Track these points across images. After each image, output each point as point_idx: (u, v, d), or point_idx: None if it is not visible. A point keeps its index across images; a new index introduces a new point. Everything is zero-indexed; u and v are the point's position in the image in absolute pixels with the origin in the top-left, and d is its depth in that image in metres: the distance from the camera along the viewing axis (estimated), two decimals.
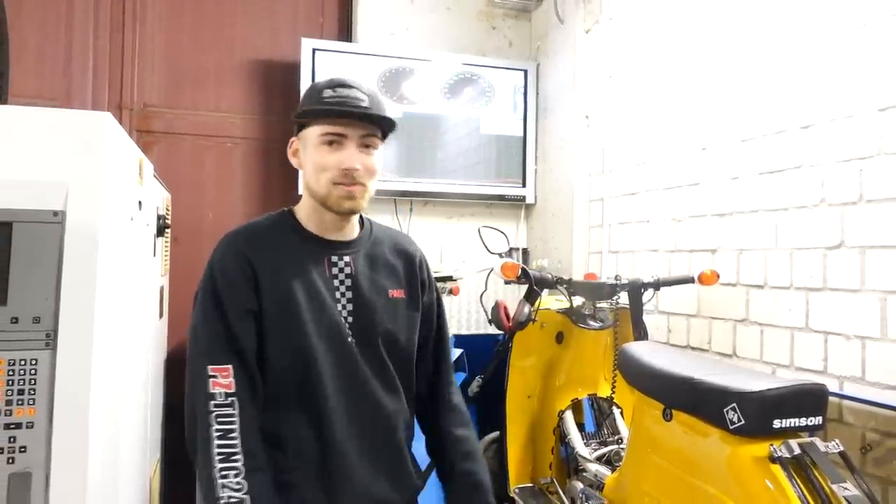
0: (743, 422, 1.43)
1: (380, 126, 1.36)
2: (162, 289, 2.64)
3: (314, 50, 3.36)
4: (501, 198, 3.68)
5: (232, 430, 1.23)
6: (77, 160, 1.43)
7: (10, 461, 1.33)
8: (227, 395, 1.25)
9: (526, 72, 3.70)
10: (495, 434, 2.53)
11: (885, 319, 1.84)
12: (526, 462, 2.34)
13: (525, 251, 3.77)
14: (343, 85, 1.33)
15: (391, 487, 1.39)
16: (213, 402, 1.24)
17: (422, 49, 3.59)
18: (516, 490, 2.28)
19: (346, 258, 1.39)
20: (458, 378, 2.35)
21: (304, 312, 1.31)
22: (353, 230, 1.43)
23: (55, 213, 1.41)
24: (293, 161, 1.42)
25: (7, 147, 1.40)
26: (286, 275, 1.33)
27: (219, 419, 1.24)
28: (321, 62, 3.36)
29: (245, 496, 1.19)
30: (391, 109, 3.32)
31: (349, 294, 1.37)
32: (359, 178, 1.31)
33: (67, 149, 1.43)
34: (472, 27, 3.77)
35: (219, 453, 1.22)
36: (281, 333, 1.31)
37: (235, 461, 1.22)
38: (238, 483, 1.20)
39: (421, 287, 1.48)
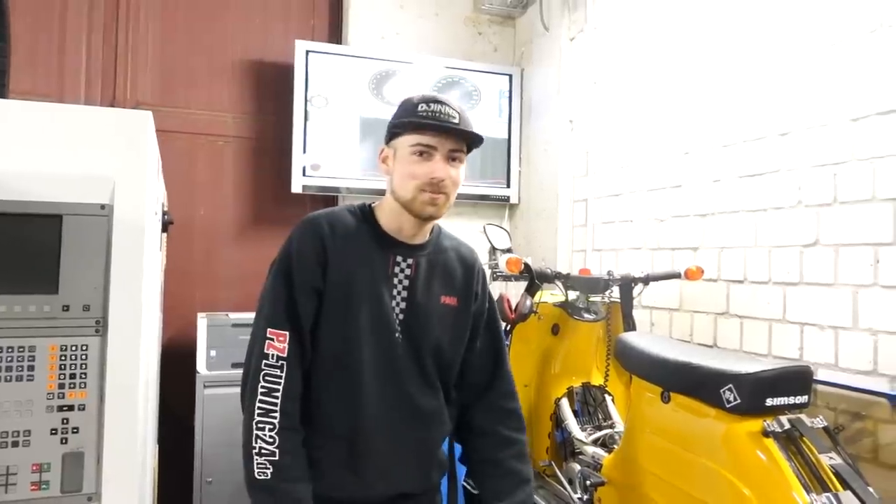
0: (739, 401, 1.58)
1: (466, 141, 1.46)
2: (162, 284, 2.70)
3: (307, 52, 3.44)
4: (486, 197, 3.81)
5: (276, 390, 1.37)
6: (123, 156, 1.50)
7: (64, 441, 1.39)
8: (279, 358, 1.39)
9: (511, 77, 3.84)
10: None
11: (856, 311, 2.02)
12: None
13: (509, 250, 3.89)
14: (436, 101, 1.43)
15: (414, 478, 1.50)
16: (265, 362, 1.38)
17: (411, 53, 3.70)
18: None
19: (410, 260, 1.49)
20: None
21: (359, 302, 1.42)
22: (424, 235, 1.53)
23: (102, 207, 1.47)
24: (381, 167, 1.52)
25: (56, 143, 1.46)
26: (352, 263, 1.44)
27: (266, 378, 1.38)
28: (314, 63, 3.45)
29: (275, 449, 1.34)
30: (383, 111, 3.44)
31: (405, 293, 1.48)
32: (444, 189, 1.42)
33: (113, 145, 1.50)
34: (459, 32, 3.90)
35: (259, 408, 1.36)
36: (335, 316, 1.42)
37: (273, 417, 1.36)
38: (271, 437, 1.35)
39: (475, 297, 1.58)
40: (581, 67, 3.44)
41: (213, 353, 2.99)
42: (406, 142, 1.43)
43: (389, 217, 1.51)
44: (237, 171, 3.58)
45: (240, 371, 3.00)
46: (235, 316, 3.16)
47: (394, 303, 1.47)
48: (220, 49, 3.55)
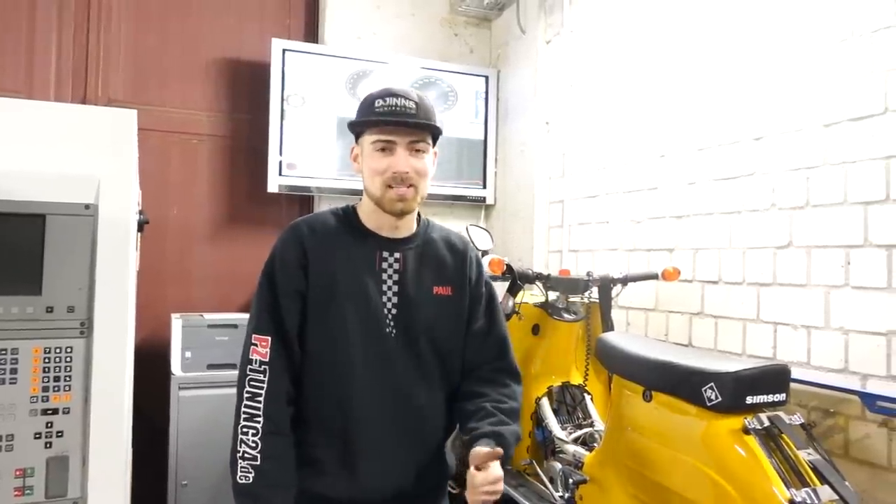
0: (720, 399, 1.62)
1: (428, 131, 1.47)
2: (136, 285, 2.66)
3: (284, 50, 3.42)
4: (462, 198, 3.83)
5: (258, 395, 1.39)
6: (108, 155, 1.48)
7: (48, 445, 1.37)
8: (261, 363, 1.40)
9: (487, 78, 3.87)
10: None
11: (828, 311, 2.08)
12: None
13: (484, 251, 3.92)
14: (393, 95, 1.44)
15: (412, 476, 1.49)
16: (249, 367, 1.41)
17: (387, 53, 3.69)
18: None
19: (397, 254, 1.50)
20: None
21: (345, 301, 1.42)
22: (409, 228, 1.54)
23: (87, 206, 1.46)
24: (354, 166, 1.54)
25: (40, 141, 1.44)
26: (334, 263, 1.44)
27: (250, 383, 1.40)
28: (291, 62, 3.42)
29: (258, 454, 1.35)
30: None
31: (395, 288, 1.48)
32: (409, 181, 1.43)
33: (98, 144, 1.48)
34: (436, 33, 3.91)
35: (244, 413, 1.38)
36: (320, 316, 1.43)
37: (256, 422, 1.37)
38: (254, 442, 1.36)
39: (469, 282, 1.59)
40: (557, 70, 3.48)
41: (188, 354, 2.95)
42: (368, 139, 1.46)
43: (369, 215, 1.52)
44: (212, 170, 3.54)
45: (216, 373, 3.00)
46: (211, 317, 3.12)
47: (384, 298, 1.47)
48: (194, 47, 3.50)
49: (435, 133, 1.49)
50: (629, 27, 2.99)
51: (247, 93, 3.57)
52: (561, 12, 3.41)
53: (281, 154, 3.40)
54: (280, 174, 3.41)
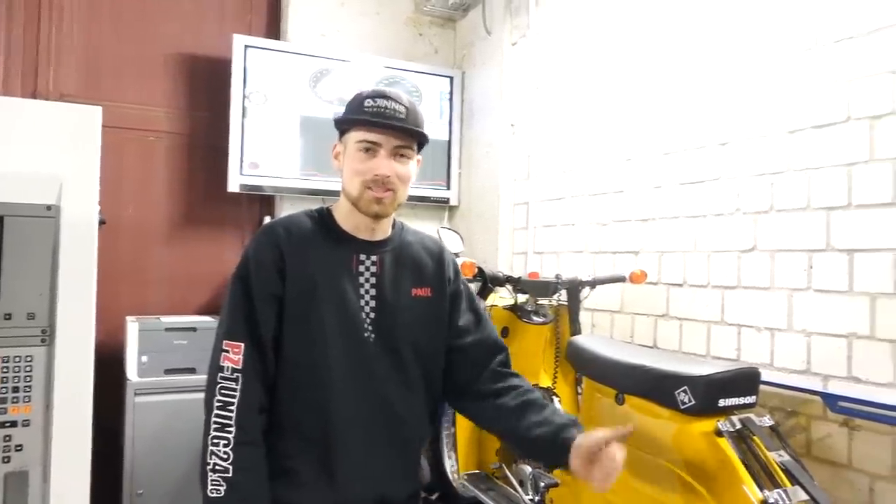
0: (693, 402, 1.64)
1: (415, 138, 1.44)
2: None
3: (246, 46, 3.34)
4: (426, 199, 3.81)
5: (230, 404, 1.33)
6: (71, 154, 1.41)
7: (6, 460, 1.30)
8: (234, 370, 1.34)
9: (452, 79, 3.86)
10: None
11: (791, 313, 2.13)
12: (473, 450, 2.49)
13: (455, 253, 3.91)
14: (384, 96, 1.41)
15: (393, 483, 1.47)
16: (220, 375, 1.34)
17: (352, 51, 3.65)
18: (465, 476, 2.42)
19: (374, 258, 1.47)
20: None
21: (323, 305, 1.39)
22: (384, 231, 1.51)
23: (48, 208, 1.39)
24: (334, 163, 1.50)
25: None
26: (313, 267, 1.40)
27: (221, 391, 1.34)
28: (253, 59, 3.35)
29: (229, 465, 1.30)
30: (324, 109, 3.38)
31: (373, 292, 1.45)
32: (389, 185, 1.40)
33: (61, 142, 1.41)
34: (400, 32, 3.88)
35: (215, 423, 1.32)
36: (298, 320, 1.39)
37: (228, 432, 1.31)
38: (226, 453, 1.30)
39: (448, 282, 1.56)
40: (523, 72, 3.49)
41: (144, 358, 2.86)
42: (353, 138, 1.43)
43: (345, 216, 1.49)
44: (169, 169, 3.44)
45: (174, 377, 2.91)
46: (168, 319, 3.03)
47: (362, 301, 1.44)
48: (150, 41, 3.39)
49: (422, 141, 1.47)
50: (596, 31, 3.02)
51: (206, 89, 3.47)
52: (527, 14, 3.42)
53: (242, 153, 3.32)
54: (241, 173, 3.33)
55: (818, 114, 2.06)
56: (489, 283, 2.34)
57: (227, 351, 1.35)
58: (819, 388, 2.03)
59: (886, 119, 1.88)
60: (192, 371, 2.87)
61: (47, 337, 1.34)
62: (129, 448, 2.75)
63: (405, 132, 1.42)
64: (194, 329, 2.96)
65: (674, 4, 2.61)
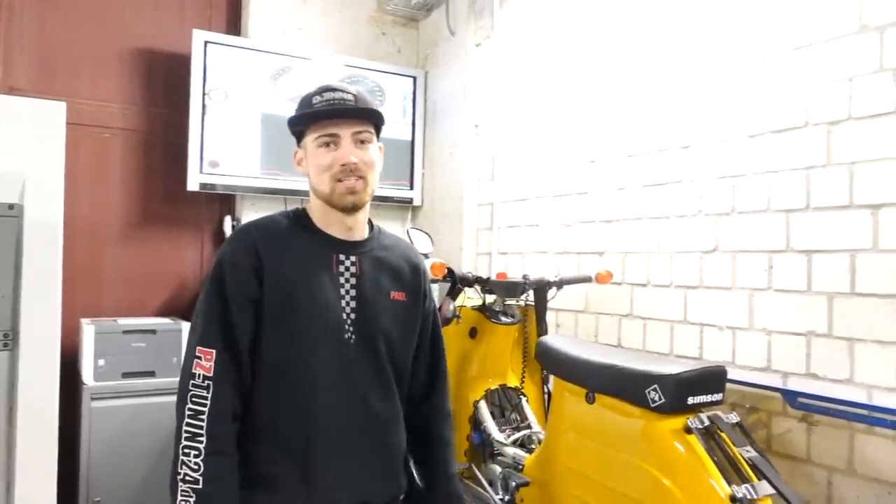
0: (663, 400, 1.67)
1: (370, 121, 1.44)
2: None
3: (206, 42, 3.27)
4: (388, 199, 3.79)
5: (201, 413, 1.29)
6: (34, 151, 1.36)
7: None
8: (205, 377, 1.31)
9: (415, 79, 3.85)
10: None
11: (752, 313, 2.19)
12: None
13: (425, 254, 3.91)
14: (329, 89, 1.41)
15: (376, 486, 1.45)
16: (191, 383, 1.31)
17: (314, 49, 3.61)
18: None
19: (353, 258, 1.45)
20: None
21: (303, 307, 1.36)
22: (362, 231, 1.49)
23: (11, 207, 1.33)
24: (299, 169, 1.47)
25: None
26: (291, 269, 1.38)
27: (192, 399, 1.30)
28: (213, 55, 3.28)
29: (199, 476, 1.26)
30: (285, 107, 3.33)
31: (353, 292, 1.43)
32: (358, 172, 1.39)
33: (23, 139, 1.36)
34: (363, 31, 3.86)
35: (186, 432, 1.29)
36: (277, 324, 1.36)
37: (199, 442, 1.28)
38: (196, 463, 1.27)
39: (423, 296, 1.56)
40: (487, 73, 3.50)
41: (101, 362, 2.76)
42: (311, 137, 1.42)
43: (320, 216, 1.47)
44: (125, 167, 3.34)
45: (132, 381, 2.83)
46: (126, 322, 2.95)
47: (342, 303, 1.42)
48: (106, 35, 3.29)
49: (377, 123, 1.47)
50: (560, 33, 3.05)
51: (165, 85, 3.39)
52: (491, 16, 3.44)
53: (202, 151, 3.25)
54: (201, 172, 3.26)
55: (777, 119, 2.12)
56: (458, 283, 2.34)
57: (200, 358, 1.32)
58: (779, 385, 2.09)
59: (843, 125, 1.95)
60: (151, 374, 2.79)
61: (10, 341, 1.29)
62: (86, 454, 2.66)
63: (359, 114, 1.41)
64: (154, 331, 2.88)
65: (637, 11, 2.66)
